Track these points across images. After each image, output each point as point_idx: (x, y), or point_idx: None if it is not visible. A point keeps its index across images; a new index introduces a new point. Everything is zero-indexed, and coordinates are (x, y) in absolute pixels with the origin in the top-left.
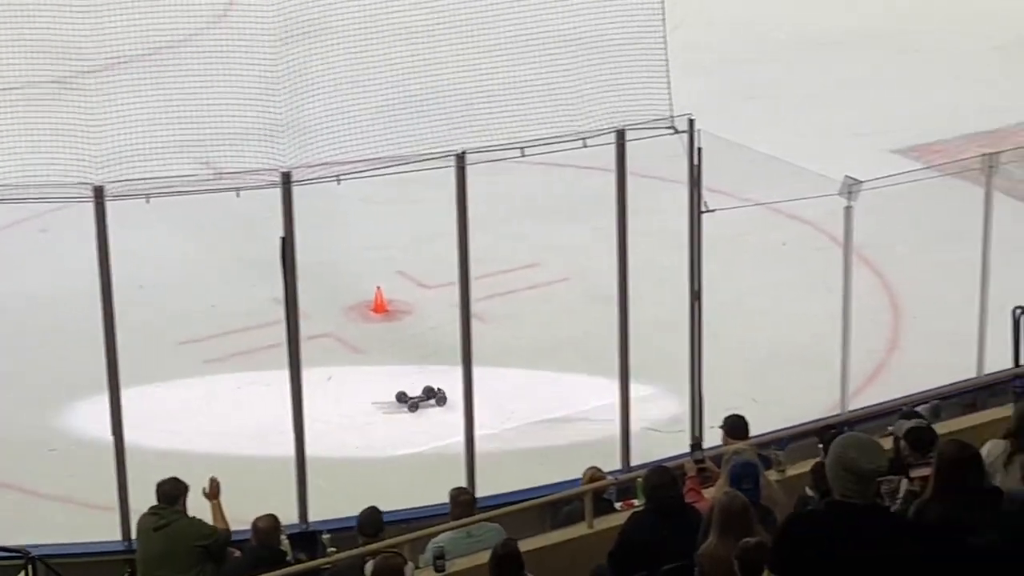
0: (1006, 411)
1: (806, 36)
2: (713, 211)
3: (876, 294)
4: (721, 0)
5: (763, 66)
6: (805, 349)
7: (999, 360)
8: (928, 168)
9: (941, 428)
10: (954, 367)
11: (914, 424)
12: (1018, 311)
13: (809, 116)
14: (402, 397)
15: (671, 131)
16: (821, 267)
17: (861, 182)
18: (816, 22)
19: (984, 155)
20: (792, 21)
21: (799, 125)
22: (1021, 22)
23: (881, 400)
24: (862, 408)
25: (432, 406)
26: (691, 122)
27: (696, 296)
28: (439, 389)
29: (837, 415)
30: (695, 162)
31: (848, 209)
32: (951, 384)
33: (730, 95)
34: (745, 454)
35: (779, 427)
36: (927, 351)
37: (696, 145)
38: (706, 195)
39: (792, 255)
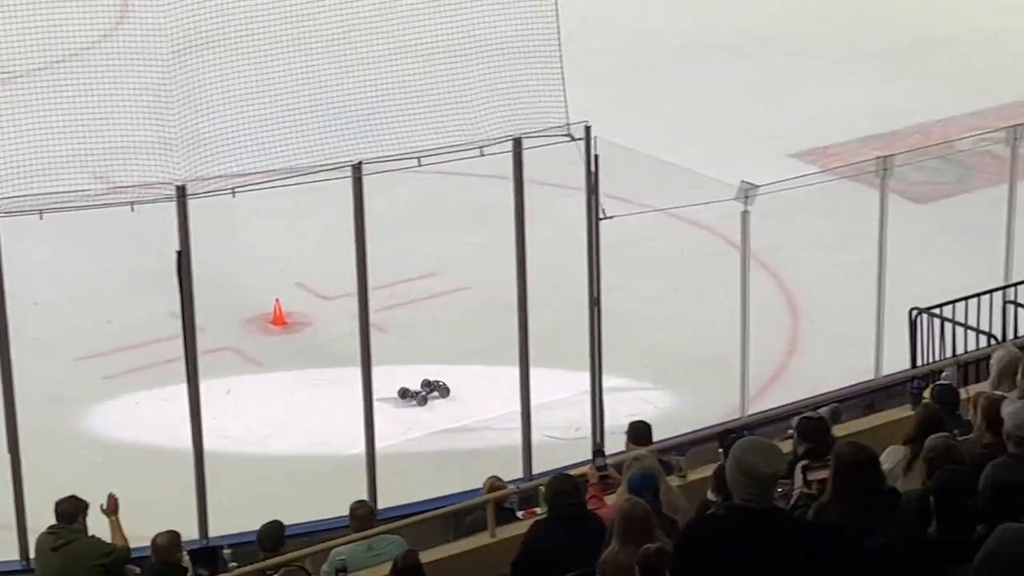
0: (904, 412)
1: (701, 42)
2: (611, 217)
3: (774, 297)
4: (615, 7)
5: (658, 72)
6: (705, 354)
7: (897, 361)
8: (824, 171)
9: (840, 430)
10: (852, 369)
11: (806, 415)
12: (915, 312)
13: (705, 121)
14: (404, 393)
15: (568, 138)
16: (719, 271)
17: (757, 186)
18: (710, 27)
19: (878, 158)
20: (686, 27)
21: (695, 131)
22: (912, 25)
23: (781, 403)
24: (762, 412)
25: (437, 397)
26: (587, 129)
27: (595, 302)
28: (439, 381)
29: (737, 419)
30: (592, 169)
31: (745, 213)
32: (850, 386)
33: (626, 102)
34: (645, 461)
35: (680, 432)
36: (825, 353)
37: (593, 152)
38: (604, 201)
39: (690, 260)
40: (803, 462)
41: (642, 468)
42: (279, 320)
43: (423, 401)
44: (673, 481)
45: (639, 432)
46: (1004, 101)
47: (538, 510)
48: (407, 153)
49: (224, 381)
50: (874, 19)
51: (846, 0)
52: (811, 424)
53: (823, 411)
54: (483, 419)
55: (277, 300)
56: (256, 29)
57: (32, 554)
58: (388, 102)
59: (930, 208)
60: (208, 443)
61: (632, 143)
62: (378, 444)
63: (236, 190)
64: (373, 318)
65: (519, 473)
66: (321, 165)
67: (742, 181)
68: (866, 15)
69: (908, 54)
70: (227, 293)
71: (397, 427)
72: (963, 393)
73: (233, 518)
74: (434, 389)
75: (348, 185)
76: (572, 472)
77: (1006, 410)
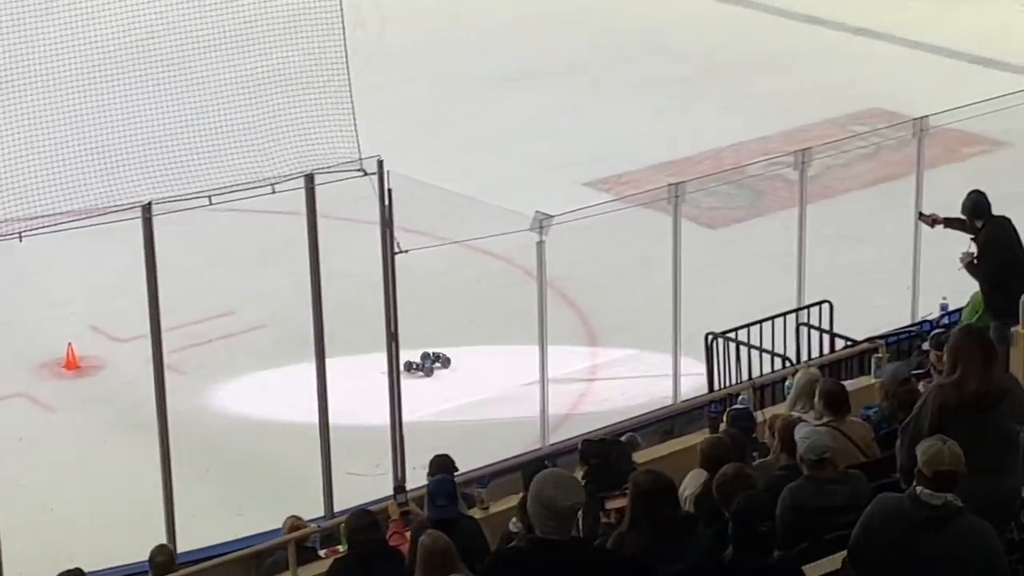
0: (702, 436)
1: (491, 73)
2: (406, 251)
3: (572, 326)
4: (405, 41)
5: (451, 105)
6: (504, 384)
7: (694, 386)
8: (617, 199)
9: (640, 456)
10: (651, 395)
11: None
12: (710, 337)
13: (499, 152)
14: (409, 366)
15: (361, 173)
16: (516, 302)
17: (552, 216)
18: (500, 59)
19: (670, 184)
20: (477, 59)
21: (490, 162)
22: (702, 51)
23: (581, 432)
24: (562, 441)
25: (440, 368)
26: (380, 163)
27: (393, 337)
28: (440, 354)
29: (538, 449)
30: (386, 203)
31: (540, 244)
32: (649, 412)
33: (419, 135)
34: None
35: (482, 464)
36: (624, 380)
37: (386, 186)
38: (400, 235)
39: (488, 291)
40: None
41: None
42: (72, 364)
43: (429, 372)
44: (475, 513)
45: (442, 466)
46: (793, 125)
47: (341, 548)
48: (198, 192)
49: (15, 428)
50: (664, 46)
51: (635, 28)
52: (591, 446)
53: (625, 438)
54: (283, 457)
55: (69, 344)
56: (42, 68)
57: None
58: (179, 141)
59: (723, 233)
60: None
61: (426, 176)
62: (175, 486)
63: (23, 234)
64: (169, 359)
65: (320, 511)
66: (111, 206)
67: (536, 211)
68: (656, 42)
69: (698, 80)
70: (17, 339)
71: (196, 467)
72: (759, 416)
73: (32, 571)
74: (436, 360)
75: (139, 225)
76: (374, 508)
77: (799, 434)
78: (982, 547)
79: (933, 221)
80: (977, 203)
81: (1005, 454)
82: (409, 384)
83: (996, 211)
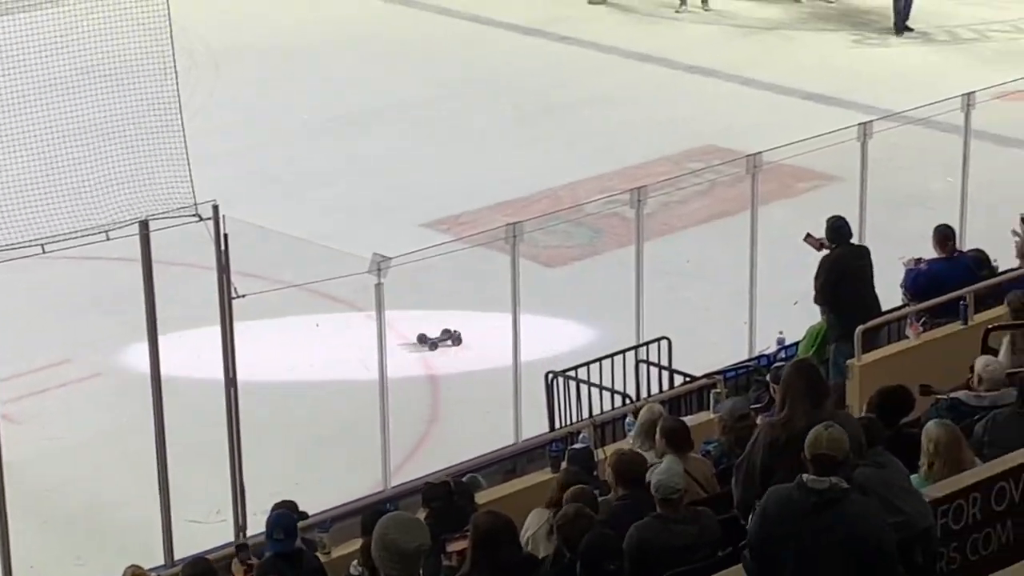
0: (545, 475)
1: (328, 115)
2: (244, 296)
3: (414, 367)
4: (240, 85)
5: (286, 148)
6: (346, 427)
7: (536, 425)
8: (456, 240)
9: (482, 497)
10: (493, 435)
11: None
12: (550, 375)
13: (336, 195)
14: (423, 338)
15: (196, 219)
16: (358, 343)
17: (390, 258)
18: (337, 101)
19: (508, 224)
20: (313, 101)
21: (327, 205)
22: (538, 90)
23: (424, 473)
24: (405, 483)
25: (449, 345)
26: (215, 208)
27: (231, 382)
28: (455, 330)
29: (381, 492)
30: (222, 248)
31: (378, 286)
32: (491, 452)
33: (255, 179)
34: None
35: (325, 508)
36: (466, 421)
37: (222, 231)
38: (237, 280)
39: (328, 333)
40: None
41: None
42: None
43: (433, 347)
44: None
45: (284, 510)
46: (629, 163)
47: None
48: (31, 240)
49: None
50: (501, 85)
51: (472, 68)
52: (432, 488)
53: (467, 479)
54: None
55: None
56: None
57: None
58: (11, 188)
59: (561, 271)
60: None
61: (263, 220)
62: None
63: None
64: (4, 409)
65: (160, 560)
66: None
67: (374, 253)
68: (493, 82)
69: (535, 119)
70: None
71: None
72: (600, 454)
73: None
74: (448, 337)
75: None
76: (213, 555)
77: (655, 471)
78: (871, 526)
79: (821, 244)
80: (833, 227)
81: None
82: None
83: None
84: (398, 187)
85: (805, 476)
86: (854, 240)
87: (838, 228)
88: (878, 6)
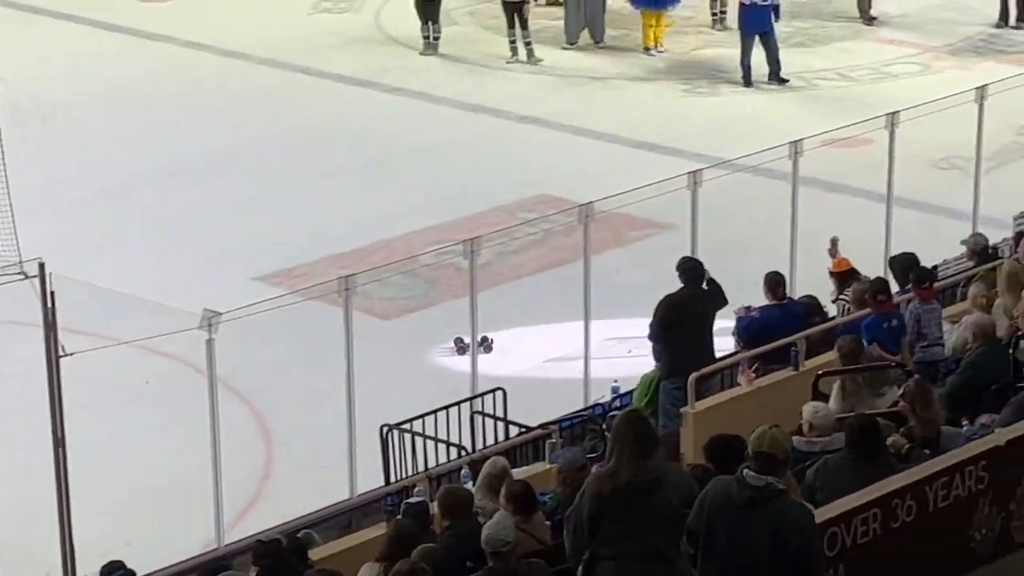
0: (380, 530)
1: (158, 167)
2: (71, 354)
3: (246, 423)
4: (68, 138)
5: (115, 202)
6: (178, 486)
7: (371, 479)
8: (289, 293)
9: (316, 553)
10: (328, 490)
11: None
12: (385, 429)
13: (167, 249)
14: (459, 341)
15: (22, 276)
16: (189, 401)
17: (221, 313)
18: (167, 153)
19: (341, 277)
20: (142, 153)
21: (157, 259)
22: (371, 141)
23: (258, 530)
24: (239, 540)
25: (481, 352)
26: (41, 266)
27: (59, 442)
28: (488, 337)
29: (214, 550)
30: (49, 306)
31: (210, 342)
32: (325, 507)
33: (83, 234)
34: None
35: (156, 568)
36: (300, 476)
37: (49, 288)
38: (65, 337)
39: (159, 391)
40: None
41: None
42: None
43: (462, 351)
44: None
45: (113, 570)
46: (463, 214)
47: None
48: None
49: None
50: (334, 136)
51: (305, 118)
52: (263, 547)
53: (302, 535)
54: None
55: None
56: None
57: None
58: None
59: (397, 323)
60: None
61: (92, 276)
62: None
63: None
64: None
65: None
66: None
67: (205, 309)
68: (326, 133)
69: (368, 170)
70: None
71: None
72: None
73: None
74: (481, 344)
75: None
76: None
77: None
78: (799, 526)
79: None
80: (683, 268)
81: (669, 542)
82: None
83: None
84: (231, 240)
85: (746, 471)
86: None
87: (688, 270)
88: (710, 57)
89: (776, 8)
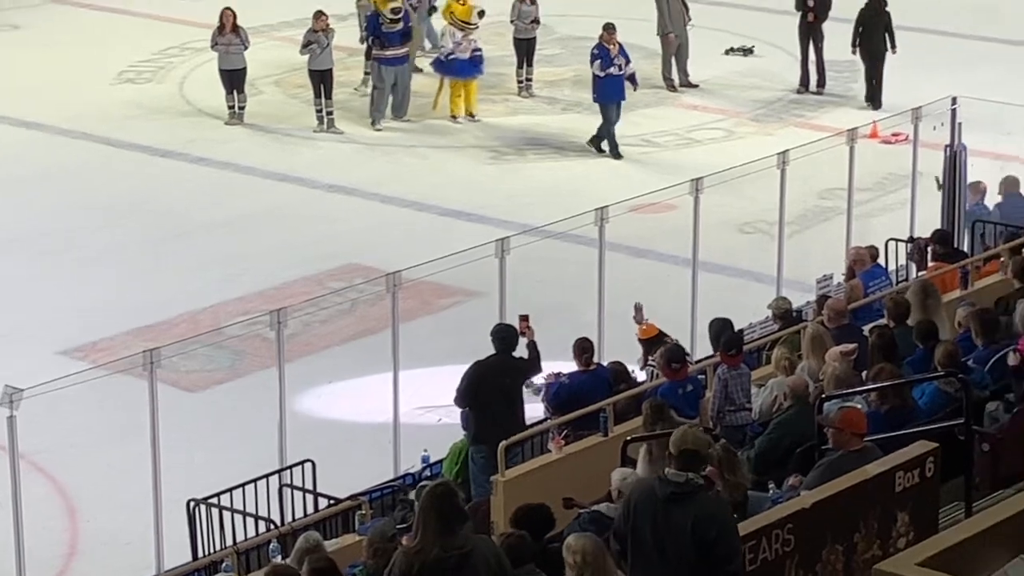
0: None
1: None
2: None
3: (50, 499)
4: None
5: None
6: None
7: (178, 554)
8: (93, 367)
9: None
10: (133, 566)
11: None
12: (192, 503)
13: None
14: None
15: None
16: None
17: (22, 390)
18: None
19: (145, 351)
20: None
21: None
22: (176, 215)
23: None
24: None
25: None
26: None
27: None
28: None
29: None
30: None
31: (11, 419)
32: None
33: None
34: None
35: None
36: (106, 553)
37: None
38: None
39: None
40: None
41: None
42: None
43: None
44: None
45: None
46: (271, 284)
47: None
48: None
49: None
50: (137, 208)
51: (107, 191)
52: None
53: None
54: None
55: None
56: None
57: None
58: None
59: (203, 396)
60: None
61: None
62: None
63: None
64: None
65: None
66: None
67: (5, 385)
68: (129, 205)
69: (174, 242)
70: None
71: None
72: None
73: None
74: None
75: None
76: None
77: None
78: (718, 519)
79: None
80: (496, 335)
81: None
82: None
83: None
84: (32, 314)
85: (667, 470)
86: None
87: (502, 337)
88: (518, 124)
89: (632, 76)
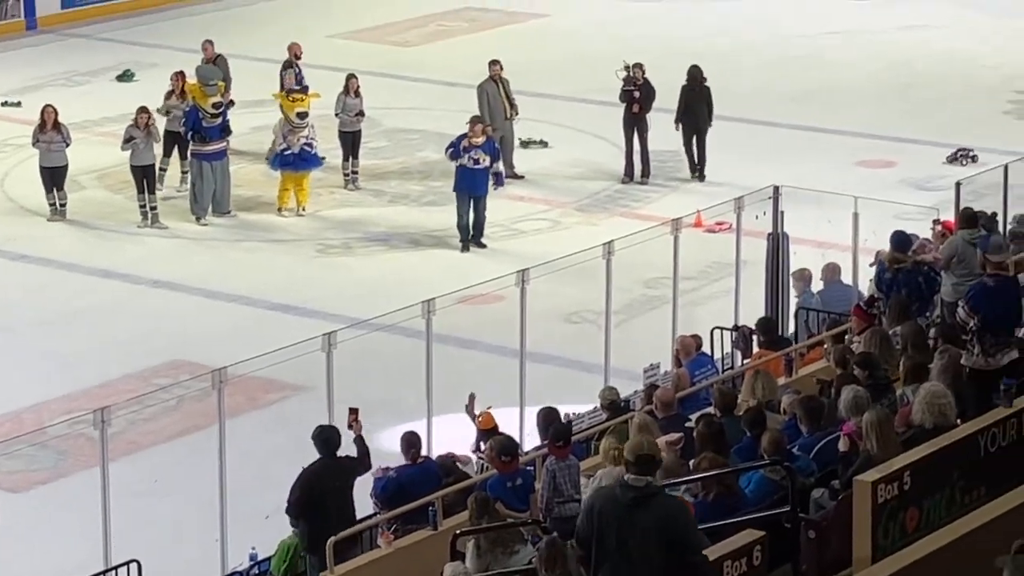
0: None
1: None
2: None
3: None
4: None
5: None
6: None
7: None
8: None
9: None
10: None
11: None
12: None
13: None
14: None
15: None
16: None
17: None
18: None
19: None
20: None
21: None
22: (1, 311)
23: None
24: None
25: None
26: None
27: None
28: None
29: None
30: None
31: None
32: None
33: None
34: None
35: None
36: None
37: None
38: None
39: None
40: None
41: None
42: None
43: None
44: None
45: None
46: (95, 382)
47: None
48: None
49: None
50: None
51: None
52: None
53: None
54: None
55: None
56: None
57: None
58: None
59: (27, 497)
60: None
61: None
62: None
63: None
64: None
65: None
66: None
67: None
68: None
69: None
70: None
71: None
72: None
73: None
74: None
75: None
76: None
77: None
78: (678, 519)
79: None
80: (318, 438)
81: None
82: None
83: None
84: None
85: (627, 476)
86: None
87: (325, 440)
88: (345, 217)
89: (497, 176)
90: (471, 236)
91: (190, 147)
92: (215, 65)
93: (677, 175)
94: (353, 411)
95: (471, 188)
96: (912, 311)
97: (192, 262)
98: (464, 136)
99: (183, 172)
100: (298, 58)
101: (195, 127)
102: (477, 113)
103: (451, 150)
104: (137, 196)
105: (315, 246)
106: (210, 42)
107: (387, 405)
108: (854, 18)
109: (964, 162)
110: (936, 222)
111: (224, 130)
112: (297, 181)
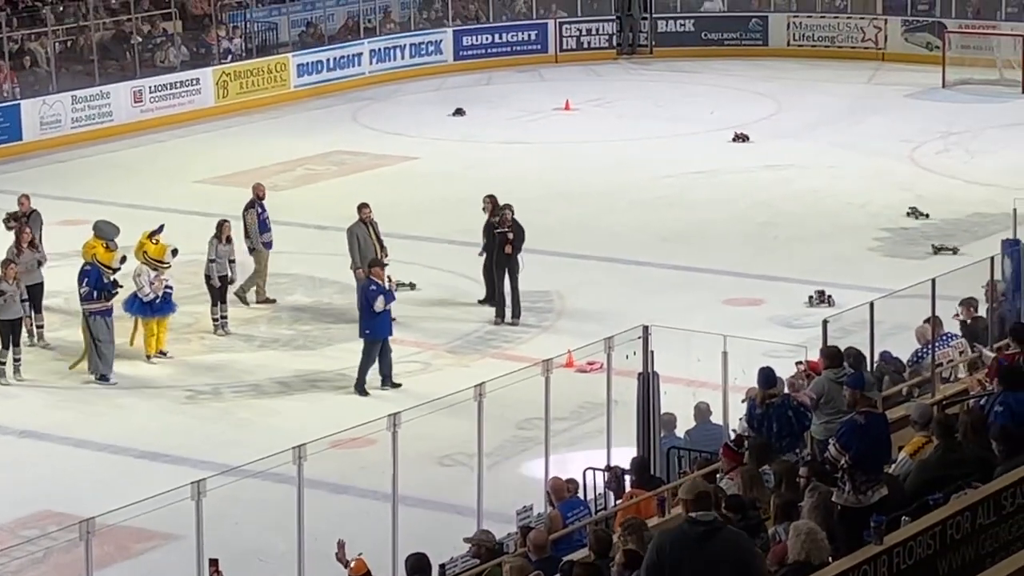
0: None
1: None
2: None
3: None
4: None
5: None
6: None
7: None
8: None
9: None
10: None
11: None
12: None
13: None
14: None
15: None
16: None
17: None
18: None
19: None
20: None
21: None
22: None
23: None
24: None
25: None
26: None
27: None
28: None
29: None
30: None
31: None
32: None
33: None
34: None
35: None
36: None
37: None
38: None
39: None
40: None
41: None
42: None
43: None
44: None
45: None
46: None
47: None
48: None
49: None
50: None
51: None
52: None
53: None
54: None
55: None
56: None
57: None
58: None
59: None
60: None
61: None
62: None
63: None
64: None
65: None
66: None
67: None
68: None
69: None
70: None
71: None
72: None
73: None
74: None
75: None
76: None
77: None
78: (745, 551)
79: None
80: None
81: None
82: None
83: None
84: None
85: (692, 514)
86: None
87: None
88: (214, 363)
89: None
90: (384, 379)
91: (88, 305)
92: (29, 220)
93: (548, 315)
94: (213, 562)
95: (385, 331)
96: (773, 452)
97: (59, 412)
98: (372, 280)
99: (38, 327)
100: (260, 198)
101: (97, 285)
102: (348, 256)
103: (382, 296)
104: (0, 351)
105: (185, 392)
106: (27, 196)
107: (258, 553)
108: (718, 159)
109: (821, 306)
110: (799, 363)
111: (115, 284)
112: (157, 324)
